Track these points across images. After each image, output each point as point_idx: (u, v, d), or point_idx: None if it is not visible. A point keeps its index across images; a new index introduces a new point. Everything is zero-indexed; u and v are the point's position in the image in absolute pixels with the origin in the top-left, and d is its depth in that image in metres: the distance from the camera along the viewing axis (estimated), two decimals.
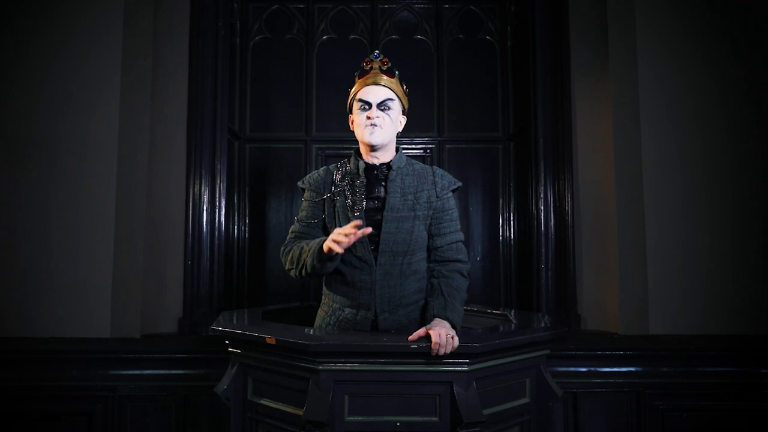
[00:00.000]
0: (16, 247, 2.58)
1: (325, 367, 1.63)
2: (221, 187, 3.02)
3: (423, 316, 1.89)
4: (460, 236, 1.95)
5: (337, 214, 1.88)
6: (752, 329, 2.62)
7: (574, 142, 3.00)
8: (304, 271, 1.80)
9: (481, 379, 1.68)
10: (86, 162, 2.64)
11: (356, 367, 1.64)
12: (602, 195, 2.93)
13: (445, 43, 3.63)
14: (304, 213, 1.96)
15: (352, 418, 1.64)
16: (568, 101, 3.00)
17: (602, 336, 2.77)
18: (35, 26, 2.67)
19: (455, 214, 1.95)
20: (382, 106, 1.86)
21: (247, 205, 3.53)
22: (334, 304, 1.93)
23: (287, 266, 1.89)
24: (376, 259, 1.85)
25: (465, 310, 2.01)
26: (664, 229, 2.71)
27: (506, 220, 3.55)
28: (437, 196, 1.91)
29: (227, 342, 1.88)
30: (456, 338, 1.61)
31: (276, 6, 3.61)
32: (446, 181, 1.94)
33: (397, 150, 1.96)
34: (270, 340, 1.69)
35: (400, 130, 1.96)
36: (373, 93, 1.87)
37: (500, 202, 3.57)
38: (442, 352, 1.58)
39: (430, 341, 1.60)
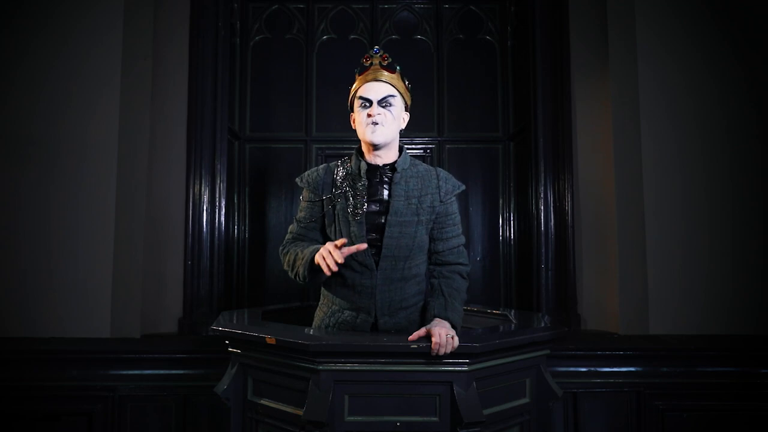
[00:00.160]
0: (16, 247, 2.58)
1: (325, 367, 1.63)
2: (221, 187, 3.02)
3: (423, 316, 1.89)
4: (462, 240, 1.94)
5: (336, 217, 1.85)
6: (752, 329, 2.62)
7: (574, 142, 3.00)
8: (298, 278, 1.81)
9: (481, 379, 1.68)
10: (86, 162, 2.64)
11: (356, 367, 1.64)
12: (602, 195, 2.93)
13: (445, 43, 3.63)
14: (302, 214, 1.93)
15: (352, 418, 1.64)
16: (568, 101, 3.00)
17: (602, 336, 2.77)
18: (35, 26, 2.67)
19: (457, 218, 1.93)
20: (384, 102, 1.81)
21: (247, 205, 3.53)
22: (333, 306, 1.91)
23: (285, 267, 1.89)
24: (377, 263, 1.82)
25: (465, 310, 2.01)
26: (664, 229, 2.71)
27: (506, 220, 3.55)
28: (441, 201, 1.87)
29: (227, 342, 1.88)
30: (456, 338, 1.61)
31: (276, 6, 3.61)
32: (450, 185, 1.90)
33: (401, 149, 1.92)
34: (270, 340, 1.69)
35: (403, 128, 1.91)
36: (374, 89, 1.82)
37: (500, 202, 3.57)
38: (442, 352, 1.58)
39: (430, 341, 1.60)
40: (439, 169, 1.95)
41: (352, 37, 3.59)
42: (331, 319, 1.90)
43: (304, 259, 1.77)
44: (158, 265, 2.88)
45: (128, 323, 2.65)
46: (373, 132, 1.80)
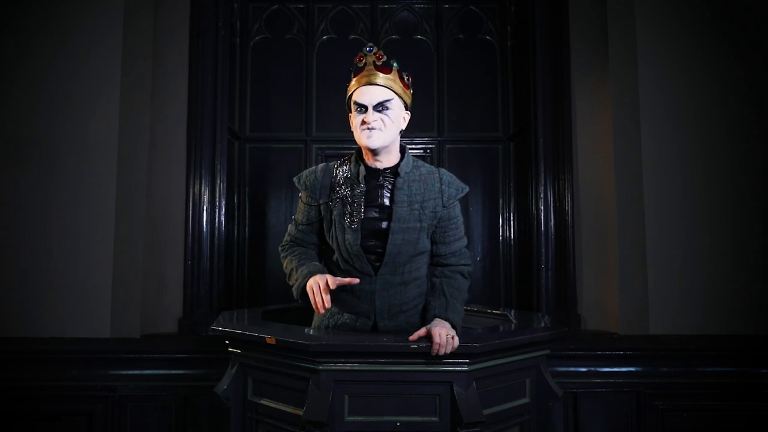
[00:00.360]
0: (16, 247, 2.58)
1: (325, 367, 1.63)
2: (221, 187, 3.02)
3: (423, 316, 1.88)
4: (464, 241, 1.91)
5: (334, 222, 1.80)
6: (752, 329, 2.62)
7: (574, 142, 3.00)
8: (293, 293, 1.79)
9: (481, 379, 1.68)
10: (86, 162, 2.64)
11: (356, 367, 1.64)
12: (602, 195, 2.93)
13: (445, 43, 3.63)
14: (300, 216, 1.89)
15: (352, 418, 1.64)
16: (568, 101, 3.00)
17: (602, 336, 2.76)
18: (35, 26, 2.67)
19: (460, 220, 1.89)
20: (380, 107, 1.73)
21: (247, 205, 3.53)
22: (333, 308, 1.87)
23: (284, 271, 1.88)
24: (377, 269, 1.79)
25: (465, 310, 1.99)
26: (664, 229, 2.71)
27: (506, 220, 3.55)
28: (443, 206, 1.82)
29: (227, 342, 1.88)
30: (456, 338, 1.61)
31: (276, 6, 3.61)
32: (453, 188, 1.85)
33: (403, 150, 1.85)
34: (270, 340, 1.69)
35: (404, 128, 1.83)
36: (369, 94, 1.73)
37: (500, 202, 3.57)
38: (442, 352, 1.58)
39: (431, 341, 1.59)
40: (442, 170, 1.88)
41: (352, 37, 3.59)
42: (330, 320, 1.89)
43: (297, 281, 1.75)
44: (158, 265, 2.87)
45: (128, 323, 2.65)
46: (369, 138, 1.73)
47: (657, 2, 2.80)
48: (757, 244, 2.69)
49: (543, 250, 2.99)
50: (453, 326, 1.70)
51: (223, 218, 3.03)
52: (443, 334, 1.59)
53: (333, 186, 1.82)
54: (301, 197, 1.91)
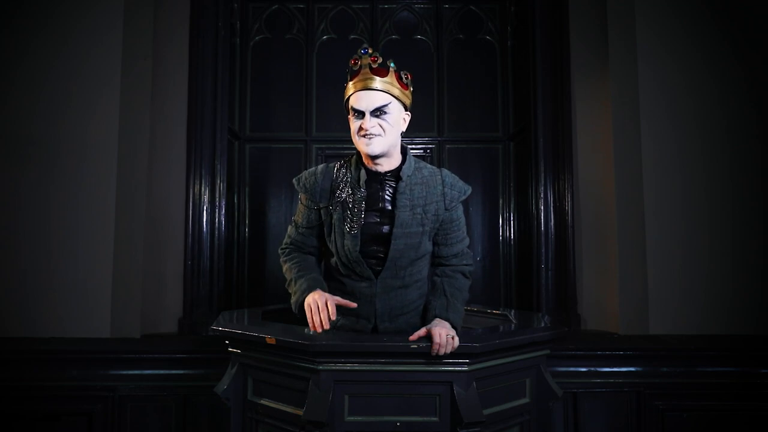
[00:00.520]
0: (16, 247, 2.58)
1: (325, 367, 1.63)
2: (221, 187, 3.02)
3: (423, 316, 1.87)
4: (466, 242, 1.89)
5: (334, 227, 1.77)
6: (752, 329, 2.62)
7: (574, 142, 3.00)
8: (291, 306, 1.77)
9: (481, 379, 1.68)
10: (86, 162, 2.64)
11: (356, 367, 1.64)
12: (602, 195, 2.93)
13: (445, 43, 3.63)
14: (300, 218, 1.86)
15: (352, 418, 1.64)
16: (568, 101, 3.00)
17: (602, 336, 2.77)
18: (35, 26, 2.67)
19: (462, 221, 1.86)
20: (377, 112, 1.67)
21: (247, 205, 3.53)
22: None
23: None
24: (378, 273, 1.77)
25: (465, 310, 1.97)
26: (664, 229, 2.71)
27: (506, 220, 3.55)
28: (446, 208, 1.80)
29: (227, 342, 1.88)
30: (456, 338, 1.61)
31: (276, 6, 3.61)
32: (456, 191, 1.82)
33: (404, 151, 1.81)
34: (270, 340, 1.69)
35: (404, 129, 1.78)
36: (365, 100, 1.67)
37: (500, 202, 3.57)
38: (442, 352, 1.58)
39: (431, 341, 1.59)
40: (445, 171, 1.85)
41: (352, 37, 3.59)
42: (330, 322, 1.88)
43: (296, 296, 1.72)
44: (158, 265, 2.87)
45: (128, 323, 2.65)
46: (368, 146, 1.68)
47: (657, 2, 2.80)
48: (757, 244, 2.69)
49: (543, 250, 2.99)
50: (453, 326, 1.69)
51: (223, 218, 3.03)
52: (443, 334, 1.59)
53: (333, 189, 1.78)
54: (300, 199, 1.87)
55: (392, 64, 1.71)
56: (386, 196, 1.76)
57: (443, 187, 1.80)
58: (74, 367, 2.35)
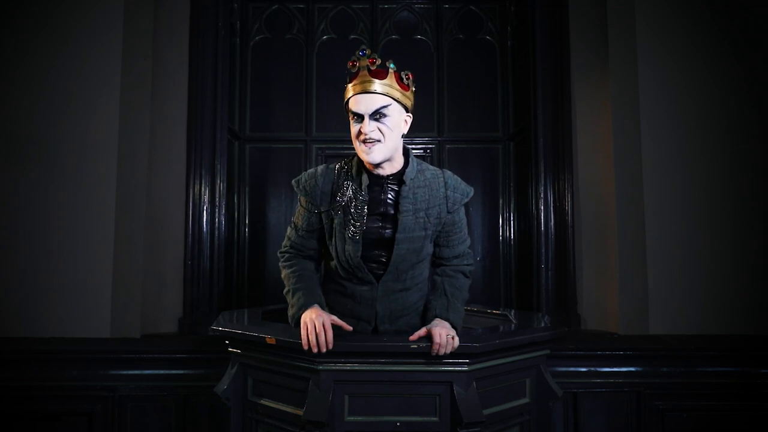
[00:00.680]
0: (16, 247, 2.58)
1: (325, 367, 1.63)
2: (221, 187, 3.02)
3: (423, 316, 1.86)
4: (467, 243, 1.88)
5: (334, 231, 1.74)
6: (752, 329, 2.62)
7: (574, 142, 3.00)
8: (289, 319, 1.75)
9: (481, 379, 1.68)
10: (86, 162, 2.64)
11: (356, 367, 1.64)
12: (602, 195, 2.93)
13: (445, 43, 3.63)
14: (299, 221, 1.82)
15: (352, 418, 1.64)
16: (568, 101, 3.00)
17: (602, 336, 2.76)
18: (35, 26, 2.67)
19: (464, 222, 1.85)
20: (377, 115, 1.63)
21: (247, 205, 3.53)
22: (332, 311, 1.82)
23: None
24: (379, 276, 1.76)
25: (465, 310, 1.97)
26: (664, 229, 2.71)
27: (506, 220, 3.55)
28: (448, 211, 1.77)
29: (227, 342, 1.88)
30: (456, 338, 1.61)
31: (276, 6, 3.61)
32: (459, 194, 1.79)
33: (406, 152, 1.77)
34: (270, 340, 1.69)
35: (405, 132, 1.74)
36: (364, 103, 1.63)
37: (500, 202, 3.57)
38: (442, 352, 1.58)
39: (431, 341, 1.59)
40: (447, 173, 1.82)
41: (352, 37, 3.59)
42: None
43: (293, 309, 1.70)
44: (158, 265, 2.87)
45: (128, 323, 2.65)
46: (368, 153, 1.64)
47: (657, 2, 2.80)
48: (757, 244, 2.69)
49: (543, 250, 2.99)
50: (453, 326, 1.69)
51: (223, 218, 3.03)
52: (443, 334, 1.59)
53: (334, 192, 1.74)
54: (300, 201, 1.83)
55: (392, 65, 1.67)
56: (388, 200, 1.73)
57: (446, 189, 1.77)
58: (74, 367, 2.35)
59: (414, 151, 3.51)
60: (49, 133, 2.64)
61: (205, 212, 2.94)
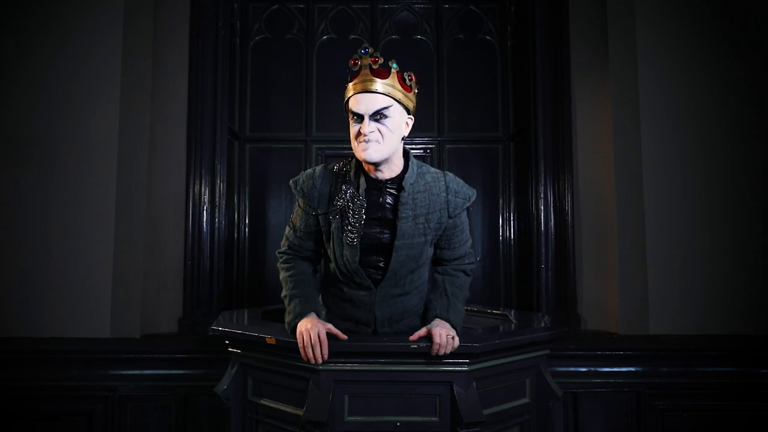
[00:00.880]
0: (16, 247, 2.58)
1: (325, 367, 1.63)
2: (221, 187, 3.02)
3: (423, 316, 1.84)
4: (469, 243, 1.83)
5: (332, 235, 1.70)
6: (752, 329, 2.62)
7: (574, 142, 3.00)
8: (285, 326, 1.73)
9: (481, 379, 1.68)
10: (86, 162, 2.64)
11: (356, 367, 1.64)
12: (602, 195, 2.93)
13: (445, 43, 3.63)
14: (298, 221, 1.77)
15: (352, 418, 1.64)
16: (568, 101, 3.00)
17: (602, 336, 2.76)
18: (35, 26, 2.67)
19: (466, 225, 1.80)
20: (377, 116, 1.58)
21: (247, 205, 3.53)
22: (330, 314, 1.83)
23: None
24: (378, 281, 1.73)
25: (465, 310, 1.94)
26: (664, 229, 2.71)
27: (506, 220, 3.55)
28: (449, 216, 1.72)
29: (227, 342, 1.88)
30: (456, 339, 1.61)
31: (276, 6, 3.61)
32: (460, 198, 1.73)
33: (406, 155, 1.71)
34: (270, 340, 1.69)
35: (406, 134, 1.68)
36: (364, 103, 1.58)
37: (500, 202, 3.57)
38: (442, 352, 1.58)
39: (431, 341, 1.59)
40: (449, 176, 1.76)
41: (352, 37, 3.59)
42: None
43: (289, 317, 1.68)
44: (158, 265, 2.87)
45: (128, 323, 2.65)
46: (365, 151, 1.58)
47: (657, 2, 2.80)
48: (757, 244, 2.69)
49: (543, 250, 2.99)
50: (453, 327, 1.68)
51: (223, 218, 3.03)
52: (443, 334, 1.59)
53: (332, 195, 1.69)
54: (298, 201, 1.79)
55: (395, 65, 1.62)
56: (387, 204, 1.68)
57: (447, 194, 1.72)
58: (74, 367, 2.35)
59: (414, 151, 3.54)
60: (49, 133, 2.64)
61: (205, 212, 2.94)
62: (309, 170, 1.78)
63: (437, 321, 1.69)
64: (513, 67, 3.56)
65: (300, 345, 1.59)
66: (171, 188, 2.93)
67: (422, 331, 1.64)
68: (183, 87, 2.95)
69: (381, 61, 1.60)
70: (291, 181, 1.78)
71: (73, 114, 2.65)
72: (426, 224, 1.70)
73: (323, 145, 3.55)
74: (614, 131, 2.85)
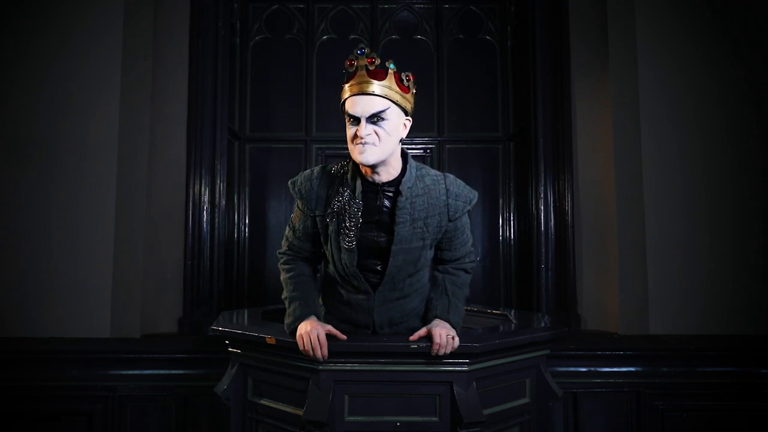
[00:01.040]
0: (16, 247, 2.58)
1: (325, 367, 1.63)
2: (221, 187, 3.02)
3: (423, 316, 1.83)
4: (470, 242, 1.82)
5: (330, 237, 1.68)
6: (752, 329, 2.62)
7: (574, 142, 3.00)
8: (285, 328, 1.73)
9: (481, 379, 1.68)
10: (86, 162, 2.64)
11: (356, 367, 1.64)
12: (602, 195, 2.93)
13: (445, 43, 3.63)
14: (297, 222, 1.77)
15: (352, 418, 1.64)
16: (568, 101, 3.00)
17: (602, 336, 2.76)
18: (35, 26, 2.67)
19: (467, 226, 1.78)
20: (374, 118, 1.54)
21: (247, 205, 3.53)
22: (330, 316, 1.83)
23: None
24: (376, 286, 1.72)
25: (465, 310, 1.92)
26: (664, 229, 2.71)
27: (506, 220, 3.55)
28: (450, 220, 1.70)
29: (227, 342, 1.88)
30: (456, 339, 1.61)
31: (276, 6, 3.61)
32: (461, 201, 1.70)
33: (404, 156, 1.68)
34: (270, 340, 1.69)
35: (404, 136, 1.65)
36: (361, 105, 1.54)
37: (500, 202, 3.57)
38: (442, 352, 1.58)
39: (431, 341, 1.59)
40: (449, 179, 1.72)
41: (352, 37, 3.59)
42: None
43: (289, 319, 1.68)
44: (158, 265, 2.87)
45: (128, 323, 2.65)
46: (361, 154, 1.55)
47: (657, 2, 2.80)
48: (757, 244, 2.69)
49: (543, 250, 2.99)
50: (453, 327, 1.68)
51: (223, 218, 3.03)
52: (443, 334, 1.59)
53: (329, 197, 1.67)
54: (296, 204, 1.79)
55: (392, 66, 1.58)
56: (384, 208, 1.66)
57: (447, 197, 1.69)
58: (74, 367, 2.35)
59: (414, 151, 3.54)
60: (49, 133, 2.64)
61: (205, 212, 2.94)
62: (307, 171, 1.76)
63: (437, 321, 1.69)
64: (513, 67, 3.56)
65: (300, 348, 1.60)
66: (171, 188, 2.93)
67: (422, 331, 1.64)
68: (183, 87, 2.95)
69: (378, 61, 1.57)
70: (289, 182, 1.77)
71: (73, 114, 2.65)
72: (425, 228, 1.67)
73: (323, 145, 3.55)
74: (614, 131, 2.85)
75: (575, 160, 2.99)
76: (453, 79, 3.61)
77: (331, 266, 1.77)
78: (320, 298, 1.86)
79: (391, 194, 1.66)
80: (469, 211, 1.77)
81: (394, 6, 3.63)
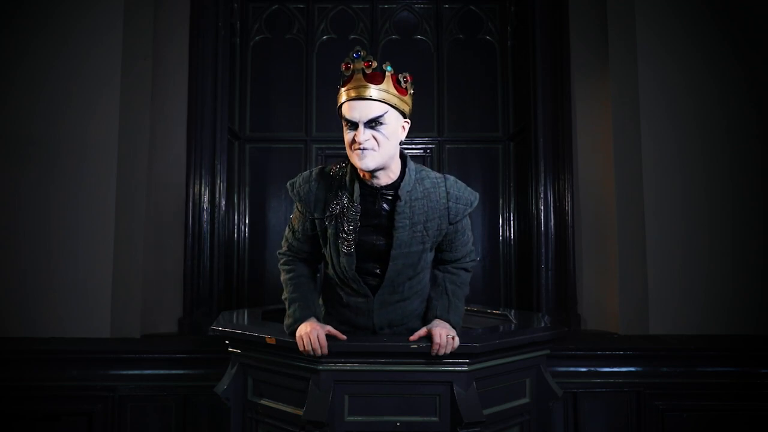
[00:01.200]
0: (16, 247, 2.58)
1: (325, 367, 1.63)
2: (221, 187, 3.02)
3: (424, 316, 1.82)
4: (471, 242, 1.80)
5: (329, 240, 1.67)
6: (752, 329, 2.62)
7: (574, 142, 3.00)
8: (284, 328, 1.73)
9: (481, 379, 1.68)
10: (86, 162, 2.64)
11: (356, 367, 1.64)
12: (602, 195, 2.93)
13: (445, 43, 3.63)
14: (296, 223, 1.75)
15: (352, 418, 1.64)
16: (568, 101, 3.00)
17: (602, 336, 2.77)
18: (35, 26, 2.67)
19: (468, 227, 1.76)
20: (372, 123, 1.51)
21: (247, 205, 3.53)
22: (330, 317, 1.82)
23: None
24: (375, 289, 1.70)
25: (465, 310, 1.91)
26: (664, 229, 2.71)
27: (506, 220, 3.55)
28: (450, 223, 1.68)
29: (227, 342, 1.88)
30: (456, 339, 1.60)
31: (276, 6, 3.61)
32: (462, 204, 1.67)
33: (403, 159, 1.65)
34: (270, 340, 1.69)
35: (403, 138, 1.62)
36: (358, 110, 1.51)
37: (500, 202, 3.57)
38: (442, 352, 1.58)
39: (431, 341, 1.59)
40: (450, 181, 1.69)
41: (352, 37, 3.59)
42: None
43: (288, 320, 1.68)
44: (158, 265, 2.87)
45: (128, 323, 2.65)
46: (361, 160, 1.53)
47: (657, 2, 2.80)
48: (757, 244, 2.69)
49: (543, 250, 2.99)
50: (453, 327, 1.68)
51: (223, 218, 3.03)
52: (443, 334, 1.59)
53: (328, 200, 1.65)
54: (295, 205, 1.76)
55: (389, 68, 1.54)
56: (383, 212, 1.63)
57: (448, 200, 1.66)
58: (74, 367, 2.35)
59: (414, 151, 3.54)
60: (49, 133, 2.64)
61: (205, 212, 2.94)
62: (305, 173, 1.74)
63: (437, 321, 1.69)
64: (513, 67, 3.56)
65: (300, 349, 1.60)
66: (171, 188, 2.93)
67: (422, 331, 1.64)
68: (183, 87, 2.95)
69: (374, 64, 1.53)
70: (288, 184, 1.74)
71: (73, 114, 2.65)
72: (424, 232, 1.65)
73: (323, 145, 3.55)
74: (614, 131, 2.85)
75: (575, 160, 2.99)
76: (453, 79, 3.61)
77: (330, 269, 1.76)
78: (320, 299, 1.86)
79: (390, 198, 1.64)
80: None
81: (394, 6, 3.63)
